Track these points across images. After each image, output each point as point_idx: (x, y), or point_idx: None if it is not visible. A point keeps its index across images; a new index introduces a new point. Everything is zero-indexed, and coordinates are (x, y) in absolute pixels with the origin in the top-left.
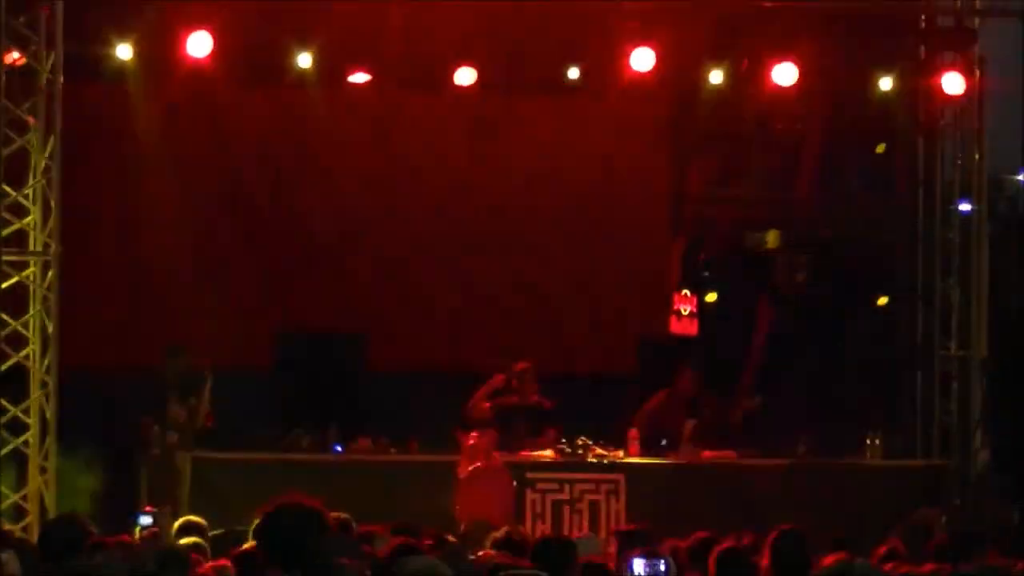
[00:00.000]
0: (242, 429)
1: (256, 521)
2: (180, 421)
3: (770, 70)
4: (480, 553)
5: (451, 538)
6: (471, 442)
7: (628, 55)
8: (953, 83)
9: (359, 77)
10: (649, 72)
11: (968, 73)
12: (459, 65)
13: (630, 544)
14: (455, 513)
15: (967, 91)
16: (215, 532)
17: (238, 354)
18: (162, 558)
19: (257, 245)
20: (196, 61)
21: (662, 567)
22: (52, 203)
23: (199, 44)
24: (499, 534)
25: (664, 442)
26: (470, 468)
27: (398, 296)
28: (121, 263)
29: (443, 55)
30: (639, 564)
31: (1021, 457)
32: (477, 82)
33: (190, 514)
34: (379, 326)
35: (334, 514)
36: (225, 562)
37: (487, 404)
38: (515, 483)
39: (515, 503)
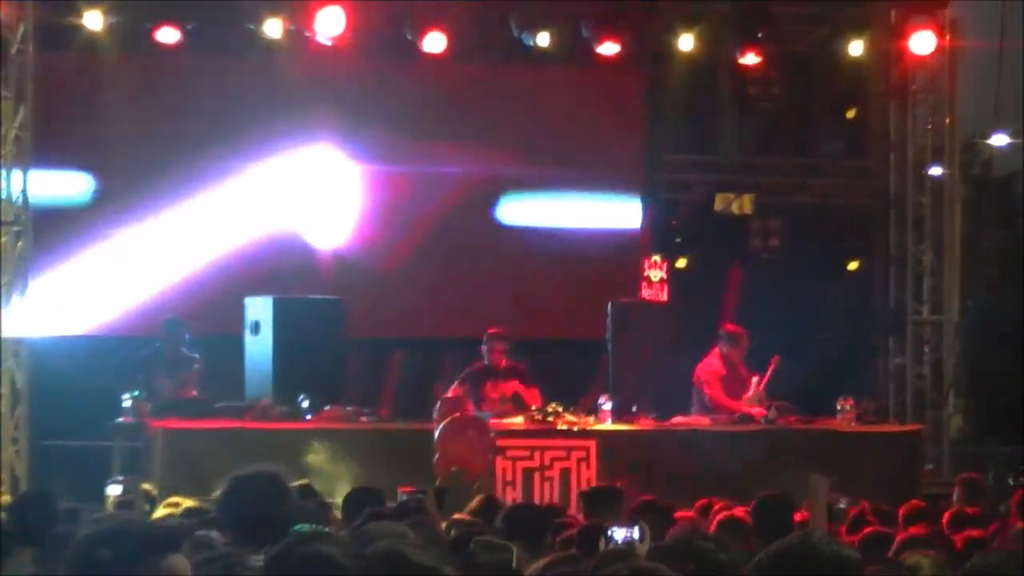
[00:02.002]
0: (217, 397)
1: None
2: (165, 394)
3: (741, 42)
4: (455, 517)
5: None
6: (449, 395)
7: (598, 39)
8: (923, 42)
9: (326, 40)
10: (615, 56)
11: (939, 37)
12: (429, 32)
13: (597, 503)
14: (434, 466)
15: (938, 54)
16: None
17: (213, 321)
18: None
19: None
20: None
21: (637, 534)
22: (23, 173)
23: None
24: (474, 503)
25: (635, 408)
26: (447, 419)
27: (373, 263)
28: (94, 232)
29: (414, 22)
30: (615, 532)
31: (995, 419)
32: (449, 49)
33: (163, 483)
34: (354, 292)
35: (297, 482)
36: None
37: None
38: (492, 434)
39: (492, 451)
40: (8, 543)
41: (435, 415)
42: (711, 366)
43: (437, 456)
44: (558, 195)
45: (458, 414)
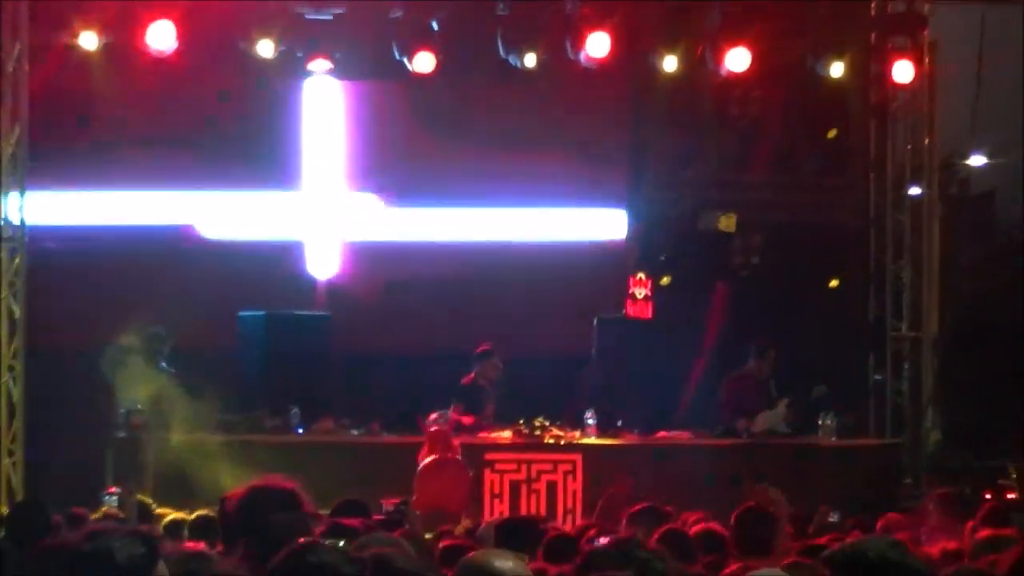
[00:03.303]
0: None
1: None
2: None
3: (724, 56)
4: (441, 529)
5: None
6: (432, 428)
7: (584, 41)
8: (903, 71)
9: (319, 65)
10: (605, 58)
11: (918, 58)
12: (417, 52)
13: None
14: (412, 504)
15: (917, 76)
16: (177, 515)
17: (201, 336)
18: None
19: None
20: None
21: None
22: (18, 191)
23: (161, 37)
24: (461, 528)
25: (620, 423)
26: (426, 460)
27: (362, 280)
28: (86, 246)
29: (403, 43)
30: (599, 542)
31: (972, 433)
32: (437, 69)
33: (155, 494)
34: (343, 309)
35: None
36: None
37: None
38: (471, 474)
39: (471, 495)
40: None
41: (423, 446)
42: (733, 377)
43: (415, 497)
44: (543, 206)
45: (436, 456)
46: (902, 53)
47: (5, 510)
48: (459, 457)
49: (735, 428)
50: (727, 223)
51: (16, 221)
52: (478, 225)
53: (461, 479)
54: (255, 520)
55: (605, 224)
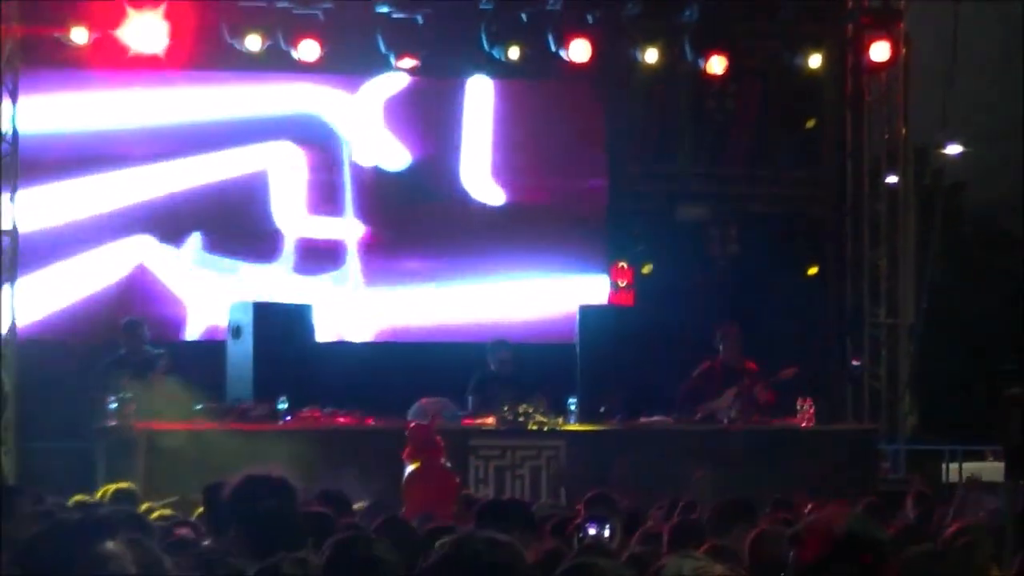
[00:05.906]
0: (197, 400)
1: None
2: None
3: (702, 52)
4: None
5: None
6: (412, 425)
7: (565, 41)
8: (880, 51)
9: (308, 55)
10: (587, 61)
11: (893, 51)
12: (403, 50)
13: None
14: (403, 514)
15: (892, 67)
16: (169, 499)
17: (196, 326)
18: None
19: (209, 221)
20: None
21: (607, 532)
22: (12, 184)
23: (149, 39)
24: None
25: (603, 409)
26: (411, 469)
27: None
28: (77, 240)
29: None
30: (589, 527)
31: (946, 416)
32: (421, 64)
33: (147, 483)
34: (325, 299)
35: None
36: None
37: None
38: (458, 480)
39: (458, 499)
40: None
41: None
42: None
43: (405, 507)
44: (526, 201)
45: (421, 464)
46: (879, 38)
47: None
48: (443, 461)
49: (715, 414)
50: (698, 211)
51: (7, 216)
52: (462, 218)
53: (449, 486)
54: (247, 507)
55: (586, 215)
